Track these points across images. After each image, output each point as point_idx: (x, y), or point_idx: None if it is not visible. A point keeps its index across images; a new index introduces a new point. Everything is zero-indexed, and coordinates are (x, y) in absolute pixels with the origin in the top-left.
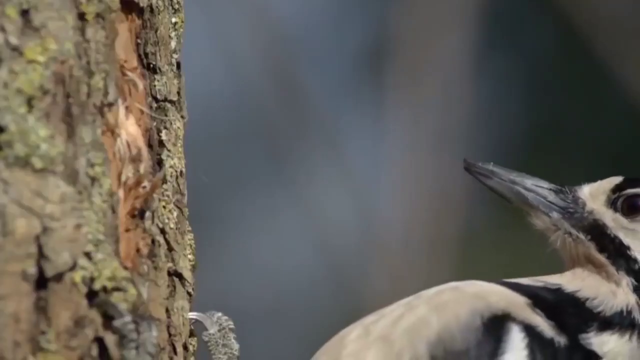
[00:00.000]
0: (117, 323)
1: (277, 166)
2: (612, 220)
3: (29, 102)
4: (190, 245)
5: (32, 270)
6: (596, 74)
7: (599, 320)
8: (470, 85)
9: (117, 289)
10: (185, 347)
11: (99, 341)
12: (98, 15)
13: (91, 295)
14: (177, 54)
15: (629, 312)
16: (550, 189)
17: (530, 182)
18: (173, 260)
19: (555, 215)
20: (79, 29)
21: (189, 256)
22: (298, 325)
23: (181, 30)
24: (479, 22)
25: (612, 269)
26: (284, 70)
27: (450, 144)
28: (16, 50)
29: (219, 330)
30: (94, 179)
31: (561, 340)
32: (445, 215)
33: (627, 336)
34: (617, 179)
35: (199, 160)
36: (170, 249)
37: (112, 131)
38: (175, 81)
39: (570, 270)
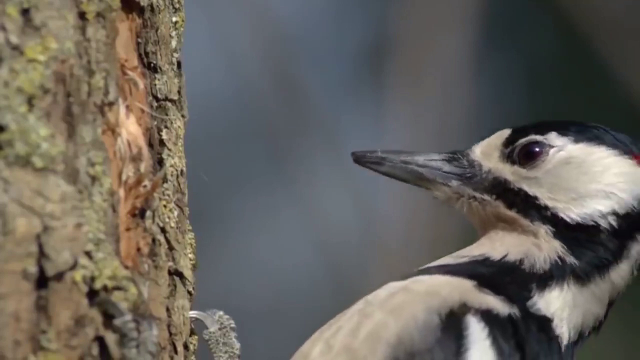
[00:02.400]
0: (117, 322)
1: (277, 166)
2: (512, 174)
3: (30, 101)
4: (191, 245)
5: (32, 269)
6: (596, 74)
7: (537, 279)
8: (470, 85)
9: (117, 288)
10: (185, 346)
11: (100, 340)
12: (98, 15)
13: (92, 294)
14: (177, 53)
15: (563, 260)
16: (443, 159)
17: (422, 158)
18: (174, 259)
19: (454, 183)
20: (80, 28)
21: (190, 255)
22: (298, 325)
23: (182, 29)
24: (479, 22)
25: (525, 221)
26: (284, 70)
27: (450, 144)
28: (17, 49)
29: (220, 329)
30: (94, 178)
31: (516, 312)
32: (445, 215)
33: (565, 285)
34: (505, 132)
35: (200, 160)
36: (170, 248)
37: (112, 130)
38: (176, 80)
39: (485, 236)
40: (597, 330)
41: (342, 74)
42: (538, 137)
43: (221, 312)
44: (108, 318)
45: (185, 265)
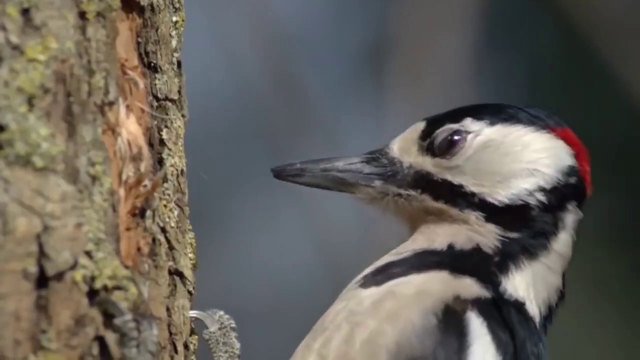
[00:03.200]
0: (117, 321)
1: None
2: (433, 166)
3: (30, 101)
4: (191, 244)
5: (32, 269)
6: (596, 74)
7: (495, 264)
8: (470, 85)
9: (117, 287)
10: (186, 346)
11: (100, 340)
12: (99, 14)
13: (92, 294)
14: (177, 52)
15: (508, 239)
16: (362, 161)
17: (341, 163)
18: (174, 259)
19: (377, 183)
20: (80, 28)
21: (190, 255)
22: (298, 325)
23: (182, 29)
24: (479, 22)
25: (454, 211)
26: (284, 70)
27: None
28: (17, 49)
29: (220, 329)
30: (94, 178)
31: (495, 295)
32: None
33: (521, 265)
34: (420, 125)
35: (200, 160)
36: (171, 247)
37: (112, 130)
38: (176, 80)
39: (416, 232)
40: (562, 300)
41: (342, 74)
42: (454, 126)
43: (221, 312)
44: (108, 318)
45: (186, 265)
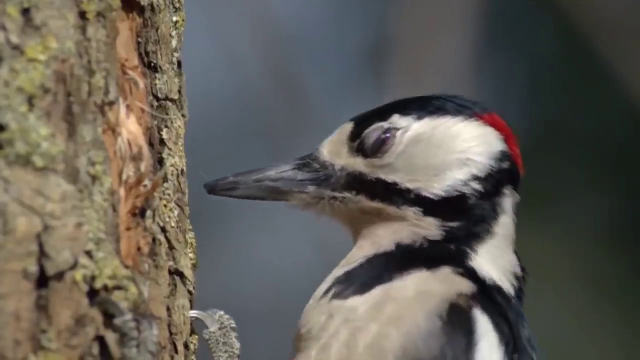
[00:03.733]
0: (117, 321)
1: None
2: (366, 166)
3: (30, 101)
4: (191, 244)
5: (32, 268)
6: (596, 74)
7: (456, 251)
8: (470, 85)
9: (117, 287)
10: (186, 346)
11: (100, 340)
12: (99, 14)
13: (92, 293)
14: (177, 52)
15: (452, 227)
16: (294, 168)
17: (273, 172)
18: (174, 259)
19: (311, 189)
20: (80, 28)
21: (190, 255)
22: None
23: (182, 29)
24: (479, 22)
25: (391, 208)
26: (284, 70)
27: None
28: (17, 48)
29: (220, 329)
30: (94, 178)
31: (478, 283)
32: None
33: (479, 249)
34: (347, 127)
35: (200, 159)
36: (171, 247)
37: (112, 130)
38: (176, 80)
39: (360, 237)
40: (525, 272)
41: (342, 74)
42: (382, 124)
43: (221, 312)
44: (108, 317)
45: (186, 264)
